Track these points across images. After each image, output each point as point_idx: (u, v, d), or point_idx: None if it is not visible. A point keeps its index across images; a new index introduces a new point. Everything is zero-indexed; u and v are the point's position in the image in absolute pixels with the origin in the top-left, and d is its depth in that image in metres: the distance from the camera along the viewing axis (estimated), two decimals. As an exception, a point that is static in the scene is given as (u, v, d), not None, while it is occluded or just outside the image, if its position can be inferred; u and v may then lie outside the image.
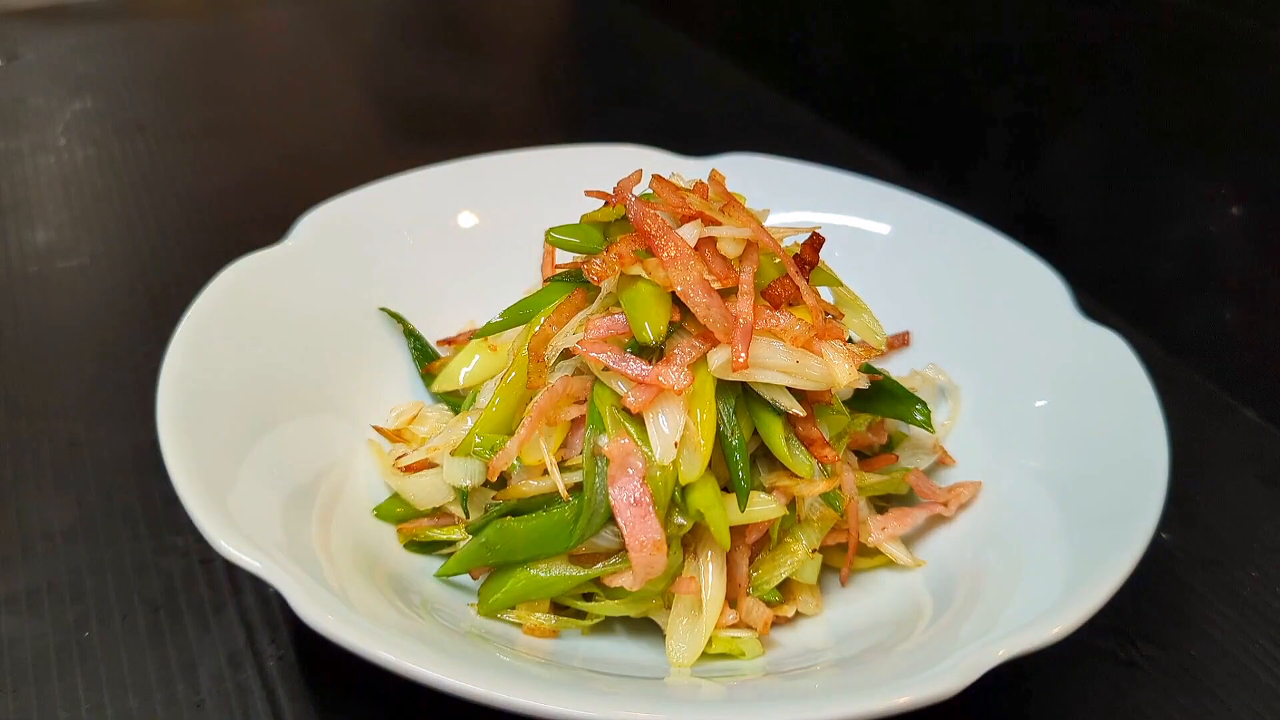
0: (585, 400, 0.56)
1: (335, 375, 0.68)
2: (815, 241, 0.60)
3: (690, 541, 0.56)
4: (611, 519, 0.53)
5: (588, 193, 0.60)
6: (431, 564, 0.60)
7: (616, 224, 0.59)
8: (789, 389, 0.55)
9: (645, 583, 0.53)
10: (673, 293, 0.55)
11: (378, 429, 0.67)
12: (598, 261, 0.56)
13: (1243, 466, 0.74)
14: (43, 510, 0.66)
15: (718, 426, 0.54)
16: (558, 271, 0.64)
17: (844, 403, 0.62)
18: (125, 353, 0.80)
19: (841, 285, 0.62)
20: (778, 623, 0.58)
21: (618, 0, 1.58)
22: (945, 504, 0.62)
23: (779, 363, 0.54)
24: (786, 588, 0.59)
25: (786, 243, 0.60)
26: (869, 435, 0.67)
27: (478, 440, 0.57)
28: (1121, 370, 0.64)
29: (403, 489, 0.62)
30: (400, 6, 1.61)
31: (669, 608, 0.56)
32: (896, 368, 0.73)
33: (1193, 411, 0.75)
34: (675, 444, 0.52)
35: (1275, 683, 0.58)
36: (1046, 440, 0.63)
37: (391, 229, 0.78)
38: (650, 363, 0.53)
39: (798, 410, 0.55)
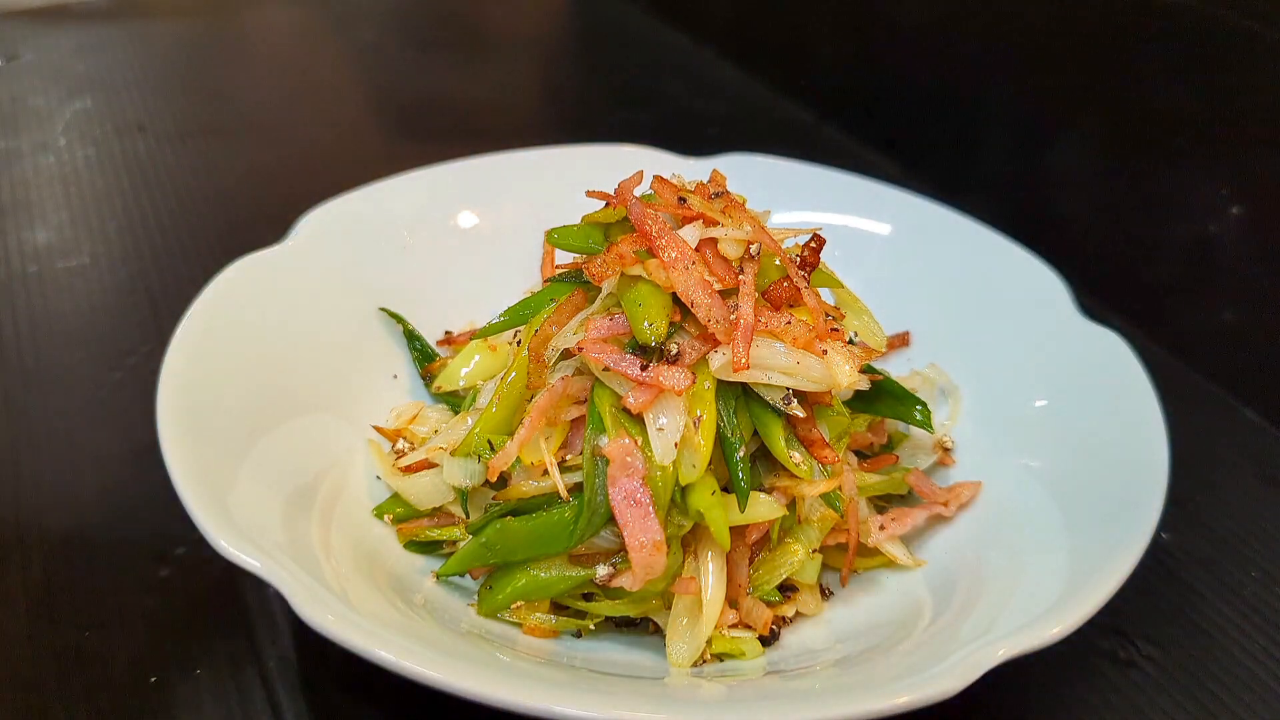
0: (585, 400, 0.56)
1: (335, 375, 0.68)
2: (816, 243, 0.60)
3: (690, 542, 0.56)
4: (611, 519, 0.53)
5: (589, 193, 0.60)
6: (431, 564, 0.60)
7: (617, 225, 0.59)
8: (789, 390, 0.55)
9: (645, 583, 0.53)
10: (673, 293, 0.55)
11: (378, 429, 0.67)
12: (598, 262, 0.56)
13: (1243, 466, 0.74)
14: (43, 510, 0.66)
15: (718, 427, 0.54)
16: (558, 272, 0.64)
17: (844, 403, 0.62)
18: (125, 353, 0.80)
19: (842, 286, 0.62)
20: (777, 623, 0.58)
21: (618, 0, 1.58)
22: (945, 504, 0.62)
23: (780, 364, 0.54)
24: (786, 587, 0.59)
25: (787, 244, 0.60)
26: (869, 435, 0.67)
27: (478, 440, 0.57)
28: (1121, 370, 0.64)
29: (403, 489, 0.62)
30: (400, 6, 1.61)
31: (669, 608, 0.56)
32: (896, 368, 0.73)
33: (1193, 411, 0.75)
34: (675, 444, 0.52)
35: (1275, 683, 0.58)
36: (1046, 440, 0.64)
37: (391, 229, 0.78)
38: (650, 363, 0.53)
39: (798, 411, 0.55)
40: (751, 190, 0.64)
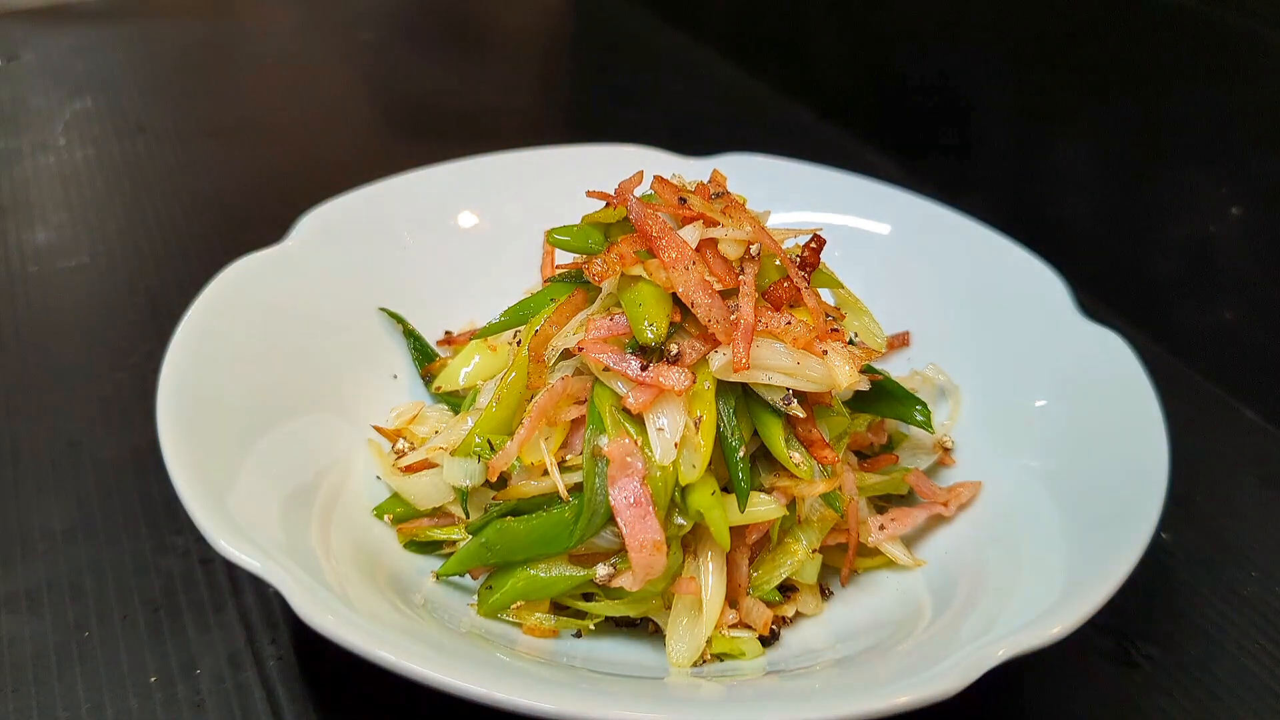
0: (585, 400, 0.56)
1: (335, 375, 0.68)
2: (816, 243, 0.60)
3: (690, 542, 0.56)
4: (611, 519, 0.53)
5: (589, 193, 0.60)
6: (431, 564, 0.60)
7: (617, 225, 0.59)
8: (789, 390, 0.55)
9: (645, 583, 0.53)
10: (673, 294, 0.55)
11: (378, 429, 0.67)
12: (599, 262, 0.56)
13: (1243, 466, 0.74)
14: (43, 510, 0.66)
15: (718, 427, 0.54)
16: (558, 272, 0.64)
17: (844, 403, 0.62)
18: (125, 353, 0.80)
19: (842, 287, 0.62)
20: (777, 623, 0.58)
21: (618, 0, 1.58)
22: (945, 504, 0.62)
23: (780, 364, 0.54)
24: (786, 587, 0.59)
25: (787, 244, 0.60)
26: (869, 435, 0.67)
27: (478, 440, 0.57)
28: (1121, 370, 0.64)
29: (403, 489, 0.62)
30: (400, 6, 1.61)
31: (669, 608, 0.56)
32: (896, 368, 0.73)
33: (1193, 411, 0.75)
34: (675, 444, 0.53)
35: (1275, 683, 0.58)
36: (1046, 440, 0.64)
37: (391, 229, 0.78)
38: (650, 363, 0.53)
39: (798, 411, 0.55)
40: (751, 190, 0.64)
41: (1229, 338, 0.83)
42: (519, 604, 0.56)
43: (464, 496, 0.58)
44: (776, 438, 0.55)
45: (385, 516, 0.62)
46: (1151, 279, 0.88)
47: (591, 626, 0.57)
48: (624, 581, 0.54)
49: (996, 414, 0.68)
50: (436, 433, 0.64)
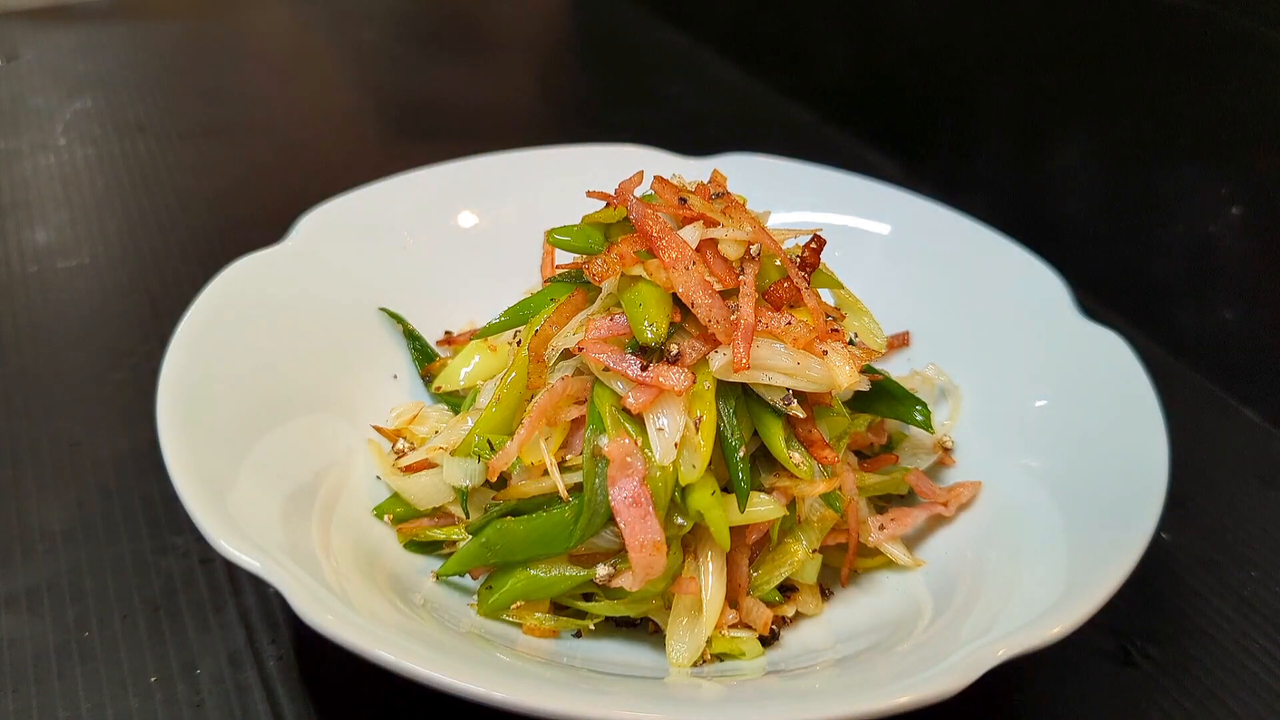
0: (585, 400, 0.56)
1: (335, 375, 0.68)
2: (816, 243, 0.60)
3: (690, 542, 0.56)
4: (611, 519, 0.53)
5: (589, 194, 0.60)
6: (431, 564, 0.60)
7: (618, 225, 0.59)
8: (789, 390, 0.55)
9: (645, 583, 0.53)
10: (674, 294, 0.55)
11: (378, 429, 0.67)
12: (599, 262, 0.56)
13: (1243, 466, 0.74)
14: (43, 510, 0.66)
15: (718, 427, 0.54)
16: (558, 272, 0.64)
17: (844, 403, 0.62)
18: (125, 353, 0.80)
19: (842, 287, 0.62)
20: (777, 623, 0.58)
21: (618, 0, 1.58)
22: (945, 504, 0.62)
23: (780, 364, 0.54)
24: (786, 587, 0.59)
25: (787, 244, 0.60)
26: (869, 435, 0.67)
27: (477, 440, 0.57)
28: (1121, 370, 0.64)
29: (403, 489, 0.62)
30: (400, 6, 1.61)
31: (669, 608, 0.56)
32: (896, 368, 0.73)
33: (1193, 411, 0.75)
34: (675, 444, 0.53)
35: (1275, 683, 0.58)
36: (1046, 440, 0.64)
37: (391, 229, 0.78)
38: (650, 363, 0.53)
39: (798, 411, 0.55)
40: (751, 190, 0.64)
41: (1229, 338, 0.83)
42: (519, 604, 0.57)
43: (464, 496, 0.58)
44: (776, 438, 0.55)
45: (385, 516, 0.62)
46: (1151, 279, 0.88)
47: (591, 626, 0.57)
48: (624, 581, 0.54)
49: (996, 414, 0.68)
50: (436, 433, 0.64)
